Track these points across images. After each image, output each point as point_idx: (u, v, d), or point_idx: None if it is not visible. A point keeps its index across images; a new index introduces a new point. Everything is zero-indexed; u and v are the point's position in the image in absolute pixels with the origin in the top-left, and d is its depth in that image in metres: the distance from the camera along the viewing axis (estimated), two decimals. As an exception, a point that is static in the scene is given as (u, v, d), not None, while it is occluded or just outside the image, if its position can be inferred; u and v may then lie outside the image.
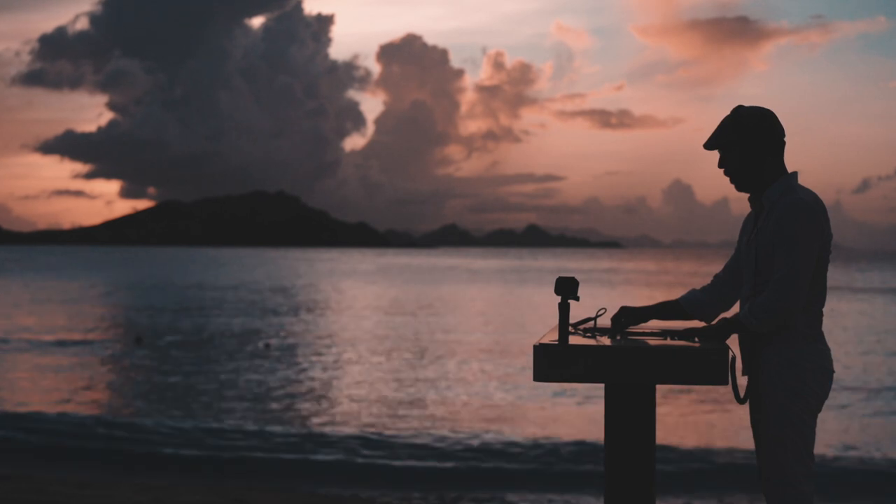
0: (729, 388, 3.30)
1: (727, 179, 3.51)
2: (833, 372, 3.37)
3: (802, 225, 3.25)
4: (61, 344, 22.02)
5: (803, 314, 3.31)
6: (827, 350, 3.36)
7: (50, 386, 15.53)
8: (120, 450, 10.47)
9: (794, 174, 3.43)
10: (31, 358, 19.30)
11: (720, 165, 3.49)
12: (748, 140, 3.39)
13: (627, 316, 3.57)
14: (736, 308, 3.59)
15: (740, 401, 3.40)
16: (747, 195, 3.51)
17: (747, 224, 3.54)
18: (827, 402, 3.42)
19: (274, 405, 13.79)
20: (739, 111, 3.44)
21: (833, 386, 3.41)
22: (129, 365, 18.53)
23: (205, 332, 25.48)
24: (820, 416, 3.36)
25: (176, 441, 10.96)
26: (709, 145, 3.49)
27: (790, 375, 3.28)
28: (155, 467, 9.56)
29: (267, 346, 21.21)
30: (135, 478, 8.72)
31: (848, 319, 29.51)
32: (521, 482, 9.16)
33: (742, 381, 3.44)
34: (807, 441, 3.28)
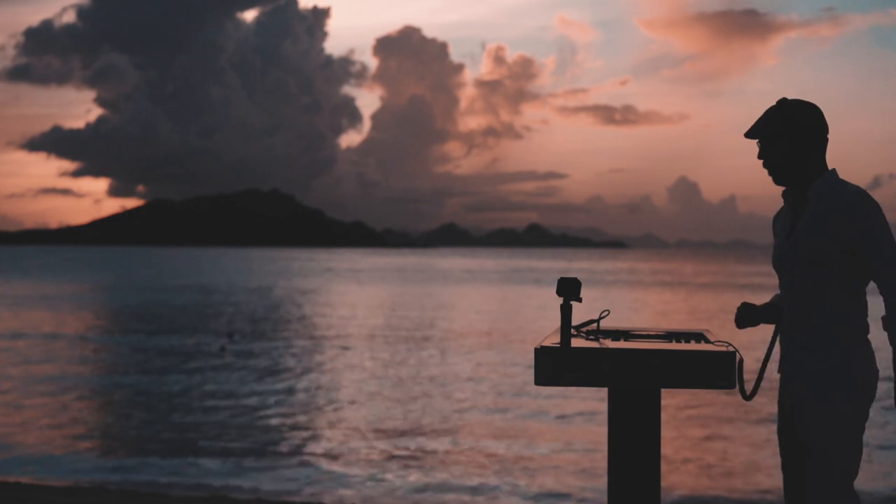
0: (729, 391, 3.19)
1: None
2: (878, 373, 3.28)
3: (877, 210, 3.23)
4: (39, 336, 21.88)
5: (854, 314, 3.23)
6: (873, 351, 3.29)
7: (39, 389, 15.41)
8: (109, 457, 10.36)
9: (836, 171, 3.36)
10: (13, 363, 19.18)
11: (760, 156, 3.40)
12: (796, 134, 3.32)
13: (748, 314, 3.41)
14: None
15: (747, 397, 3.30)
16: (769, 189, 3.43)
17: (783, 220, 3.44)
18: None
19: (243, 411, 13.69)
20: (787, 103, 3.35)
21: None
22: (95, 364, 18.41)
23: (169, 333, 25.38)
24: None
25: (163, 447, 10.85)
26: (751, 134, 3.39)
27: (842, 378, 3.19)
28: (145, 474, 9.44)
29: (222, 349, 20.72)
30: (123, 484, 8.61)
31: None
32: (519, 489, 9.07)
33: (750, 380, 3.33)
34: (857, 447, 3.20)
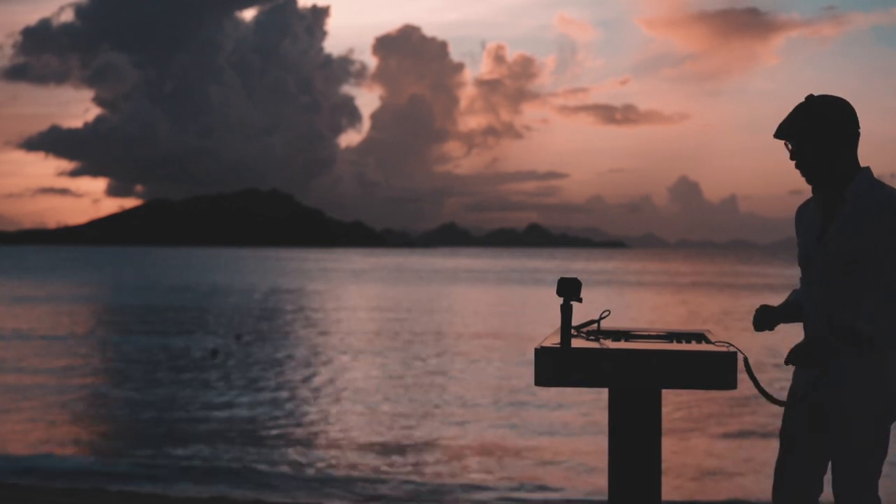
0: (731, 393, 3.14)
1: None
2: None
3: None
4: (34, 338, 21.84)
5: None
6: None
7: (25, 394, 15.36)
8: (108, 458, 10.32)
9: (869, 168, 3.28)
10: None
11: (792, 157, 3.31)
12: (825, 132, 3.23)
13: (766, 317, 3.35)
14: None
15: (778, 402, 3.23)
16: (800, 187, 3.36)
17: (811, 217, 3.36)
18: None
19: (240, 413, 13.66)
20: (814, 101, 3.26)
21: None
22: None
23: (167, 334, 25.35)
24: None
25: (161, 447, 10.81)
26: (780, 135, 3.30)
27: (878, 381, 3.15)
28: (142, 477, 9.40)
29: (214, 352, 20.32)
30: (122, 487, 8.57)
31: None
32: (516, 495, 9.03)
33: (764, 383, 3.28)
34: (886, 450, 3.20)
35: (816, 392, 3.23)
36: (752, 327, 3.47)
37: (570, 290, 3.20)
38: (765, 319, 3.37)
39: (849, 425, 3.16)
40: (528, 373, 15.83)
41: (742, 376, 3.14)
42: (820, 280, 3.27)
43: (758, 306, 3.42)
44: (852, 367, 3.17)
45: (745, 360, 3.13)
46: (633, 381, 3.07)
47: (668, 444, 10.50)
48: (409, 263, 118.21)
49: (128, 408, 13.49)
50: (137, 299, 40.17)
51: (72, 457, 10.19)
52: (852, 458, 3.17)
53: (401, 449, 10.57)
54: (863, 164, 3.30)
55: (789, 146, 3.31)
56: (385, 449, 10.57)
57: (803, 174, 3.30)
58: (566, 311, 3.20)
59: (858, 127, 3.27)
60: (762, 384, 3.25)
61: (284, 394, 14.81)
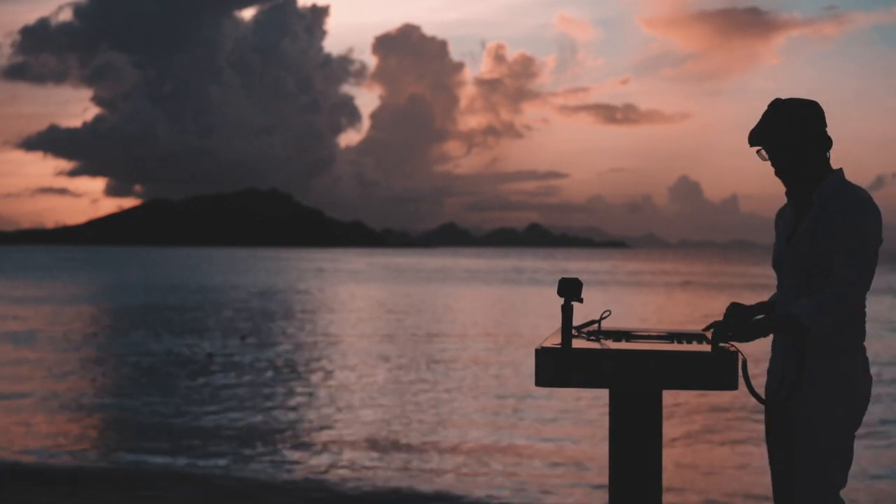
0: (732, 393, 3.15)
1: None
2: (872, 379, 3.27)
3: (872, 226, 3.11)
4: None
5: (854, 319, 3.18)
6: (867, 357, 3.26)
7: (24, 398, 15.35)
8: (106, 460, 10.30)
9: (842, 170, 3.27)
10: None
11: (774, 164, 3.29)
12: (800, 134, 3.21)
13: (737, 315, 3.32)
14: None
15: (765, 401, 3.23)
16: (780, 190, 3.36)
17: (786, 220, 3.36)
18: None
19: (238, 416, 13.65)
20: (781, 105, 3.24)
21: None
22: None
23: (166, 336, 25.35)
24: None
25: (160, 448, 10.81)
26: (753, 141, 3.29)
27: (842, 386, 3.15)
28: (141, 478, 9.40)
29: (210, 355, 19.95)
30: (122, 487, 8.57)
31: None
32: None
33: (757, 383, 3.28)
34: (849, 454, 3.19)
35: (784, 397, 3.22)
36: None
37: (570, 290, 3.20)
38: (736, 317, 3.36)
39: (815, 429, 3.15)
40: (529, 373, 15.82)
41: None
42: (789, 281, 3.27)
43: (729, 304, 3.41)
44: (819, 371, 3.16)
45: (744, 362, 3.13)
46: (634, 381, 3.07)
47: (668, 445, 10.50)
48: (408, 263, 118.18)
49: (127, 408, 13.48)
50: (137, 299, 40.15)
51: (72, 457, 10.18)
52: (819, 461, 3.15)
53: (398, 450, 10.56)
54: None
55: (763, 152, 3.30)
56: (382, 450, 10.57)
57: (782, 178, 3.30)
58: (567, 312, 3.20)
59: (826, 126, 3.24)
60: (758, 385, 3.25)
61: (283, 395, 14.81)
